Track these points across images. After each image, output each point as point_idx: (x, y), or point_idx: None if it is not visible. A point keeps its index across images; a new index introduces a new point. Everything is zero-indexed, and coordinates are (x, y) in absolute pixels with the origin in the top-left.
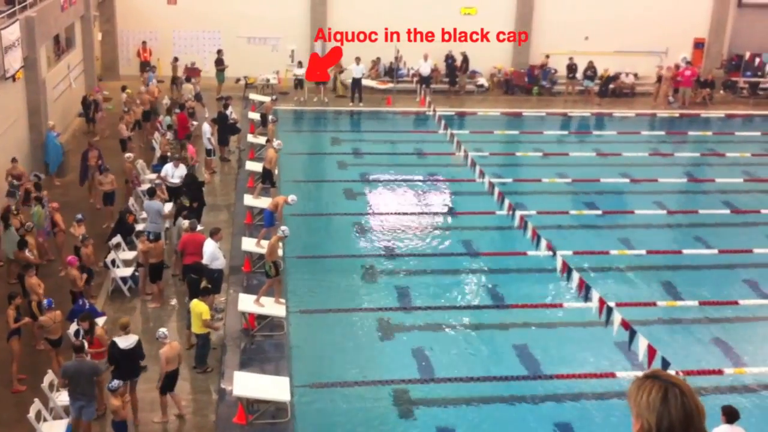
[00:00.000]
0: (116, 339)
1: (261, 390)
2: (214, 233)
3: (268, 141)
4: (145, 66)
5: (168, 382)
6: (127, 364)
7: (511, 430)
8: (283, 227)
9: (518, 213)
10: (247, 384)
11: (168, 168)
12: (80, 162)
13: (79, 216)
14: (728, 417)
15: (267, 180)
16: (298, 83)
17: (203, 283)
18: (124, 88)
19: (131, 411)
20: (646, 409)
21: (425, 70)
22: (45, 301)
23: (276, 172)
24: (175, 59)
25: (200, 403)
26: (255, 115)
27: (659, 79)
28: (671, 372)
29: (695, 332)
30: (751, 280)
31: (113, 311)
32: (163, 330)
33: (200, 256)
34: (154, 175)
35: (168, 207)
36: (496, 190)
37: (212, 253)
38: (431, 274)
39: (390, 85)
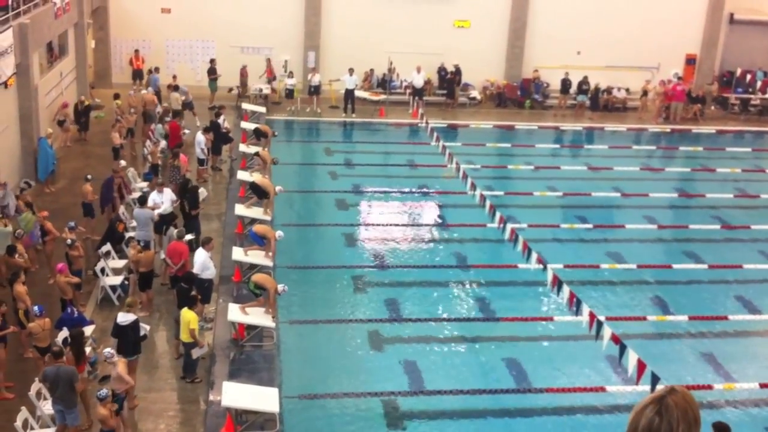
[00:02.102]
0: (118, 315)
1: (250, 401)
2: (205, 243)
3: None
4: (138, 74)
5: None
6: (125, 340)
7: None
8: (282, 285)
9: (509, 226)
10: (236, 394)
11: (154, 196)
12: (102, 190)
13: (72, 224)
14: None
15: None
16: (289, 93)
17: (192, 292)
18: (117, 96)
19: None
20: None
21: (418, 82)
22: (36, 308)
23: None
24: (156, 69)
25: (188, 414)
26: (247, 125)
27: (645, 93)
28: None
29: (685, 347)
30: (741, 296)
31: (102, 320)
32: (108, 350)
33: (187, 264)
34: (144, 183)
35: (154, 198)
36: (488, 203)
37: (203, 263)
38: (422, 286)
39: (383, 97)
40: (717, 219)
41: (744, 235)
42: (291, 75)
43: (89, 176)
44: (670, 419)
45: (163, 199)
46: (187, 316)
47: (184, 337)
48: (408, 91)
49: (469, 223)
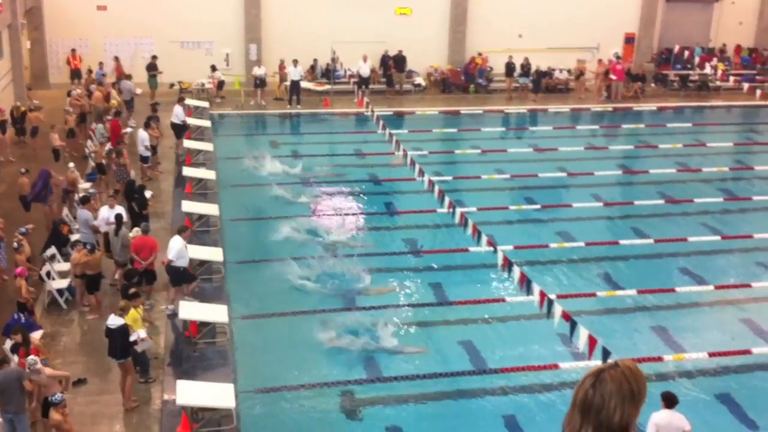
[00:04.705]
0: (110, 317)
1: (205, 398)
2: (182, 231)
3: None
4: (76, 74)
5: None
6: (111, 343)
7: (459, 425)
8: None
9: (459, 210)
10: (191, 392)
11: (104, 212)
12: (36, 183)
13: (23, 229)
14: (667, 402)
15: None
16: (260, 82)
17: (132, 289)
18: (69, 94)
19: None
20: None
21: (365, 72)
22: None
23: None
24: (101, 65)
25: (143, 414)
26: (192, 120)
27: (581, 73)
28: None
29: (634, 321)
30: (686, 268)
31: (50, 324)
32: (33, 357)
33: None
34: (88, 184)
35: (104, 214)
36: (436, 188)
37: (179, 251)
38: (374, 272)
39: (327, 87)
40: (661, 194)
41: (687, 209)
42: (259, 65)
43: (23, 169)
44: (602, 392)
45: (113, 216)
46: (132, 314)
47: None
48: (353, 80)
49: (418, 209)
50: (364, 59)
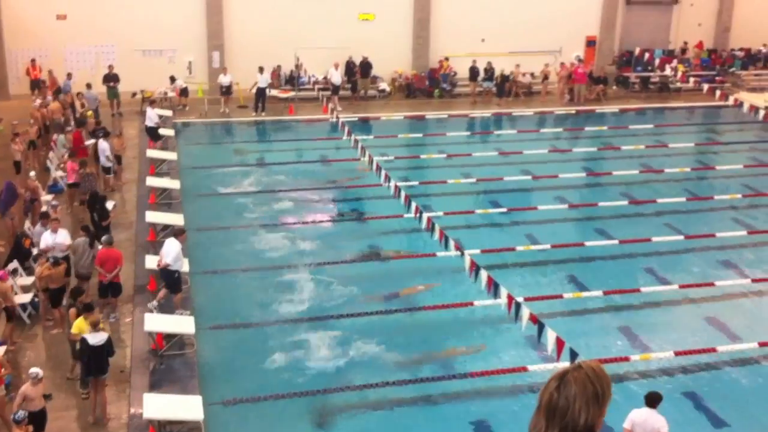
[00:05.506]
0: (86, 335)
1: (173, 411)
2: (178, 234)
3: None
4: (35, 84)
5: (35, 422)
6: (97, 360)
7: (429, 430)
8: None
9: (425, 215)
10: (158, 405)
11: (46, 237)
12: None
13: None
14: (648, 401)
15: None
16: (226, 90)
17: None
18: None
19: (99, 408)
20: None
21: (337, 80)
22: None
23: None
24: (69, 76)
25: (110, 429)
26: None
27: (545, 77)
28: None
29: (601, 321)
30: (651, 268)
31: (13, 339)
32: (35, 369)
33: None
34: (50, 197)
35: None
36: (403, 194)
37: (177, 254)
38: (341, 280)
39: (291, 94)
40: (624, 195)
41: (651, 209)
42: (225, 72)
43: None
44: (567, 395)
45: (57, 241)
46: (79, 325)
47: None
48: (318, 87)
49: (385, 214)
50: (336, 66)
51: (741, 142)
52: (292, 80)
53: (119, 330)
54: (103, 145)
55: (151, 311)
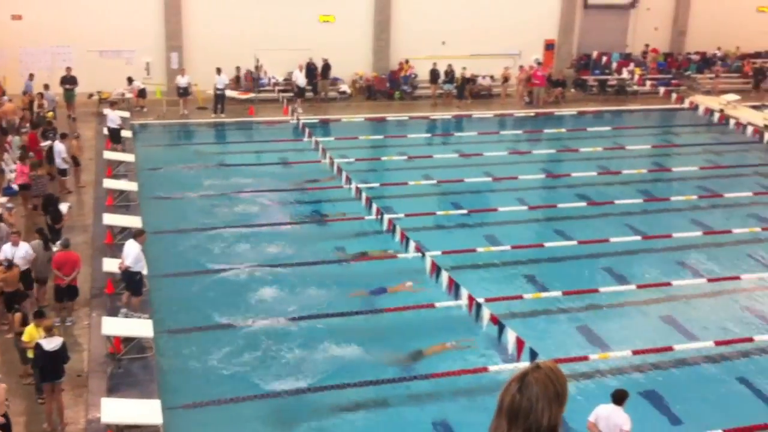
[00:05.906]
0: (41, 341)
1: (131, 415)
2: (137, 235)
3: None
4: None
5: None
6: (53, 366)
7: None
8: None
9: (386, 216)
10: (116, 410)
11: (6, 249)
12: None
13: None
14: (614, 398)
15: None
16: (184, 91)
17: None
18: None
19: (56, 413)
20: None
21: (301, 81)
22: None
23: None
24: (31, 76)
25: None
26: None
27: (505, 79)
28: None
29: (561, 321)
30: (609, 268)
31: None
32: None
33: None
34: (5, 199)
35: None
36: (364, 195)
37: (137, 256)
38: (303, 283)
39: (251, 95)
40: (582, 196)
41: (609, 210)
42: (183, 73)
43: None
44: (529, 396)
45: (17, 255)
46: (29, 332)
47: (31, 352)
48: (278, 88)
49: (346, 216)
50: (300, 68)
51: (697, 144)
52: (252, 81)
53: (76, 333)
54: (59, 147)
55: (126, 316)
